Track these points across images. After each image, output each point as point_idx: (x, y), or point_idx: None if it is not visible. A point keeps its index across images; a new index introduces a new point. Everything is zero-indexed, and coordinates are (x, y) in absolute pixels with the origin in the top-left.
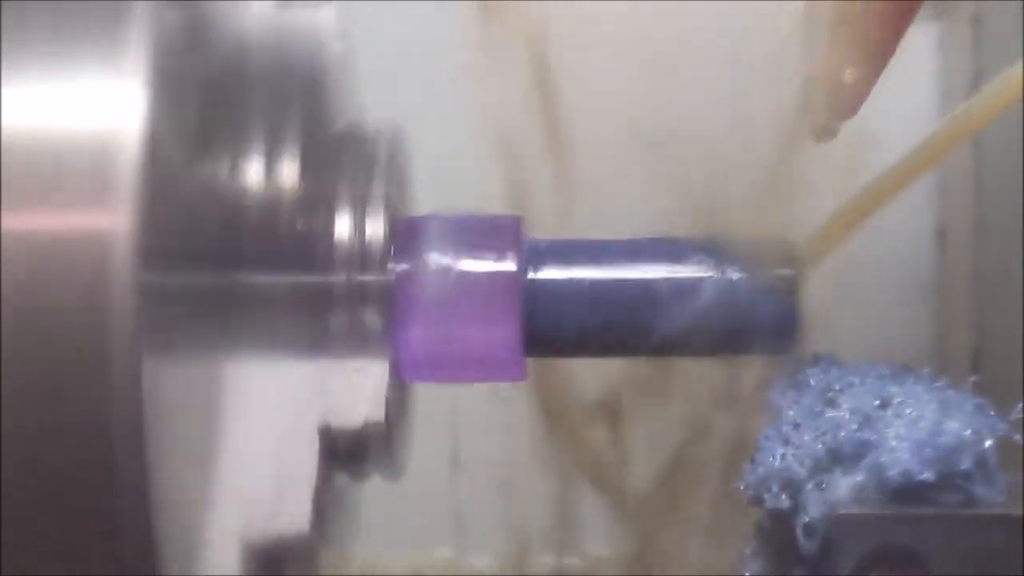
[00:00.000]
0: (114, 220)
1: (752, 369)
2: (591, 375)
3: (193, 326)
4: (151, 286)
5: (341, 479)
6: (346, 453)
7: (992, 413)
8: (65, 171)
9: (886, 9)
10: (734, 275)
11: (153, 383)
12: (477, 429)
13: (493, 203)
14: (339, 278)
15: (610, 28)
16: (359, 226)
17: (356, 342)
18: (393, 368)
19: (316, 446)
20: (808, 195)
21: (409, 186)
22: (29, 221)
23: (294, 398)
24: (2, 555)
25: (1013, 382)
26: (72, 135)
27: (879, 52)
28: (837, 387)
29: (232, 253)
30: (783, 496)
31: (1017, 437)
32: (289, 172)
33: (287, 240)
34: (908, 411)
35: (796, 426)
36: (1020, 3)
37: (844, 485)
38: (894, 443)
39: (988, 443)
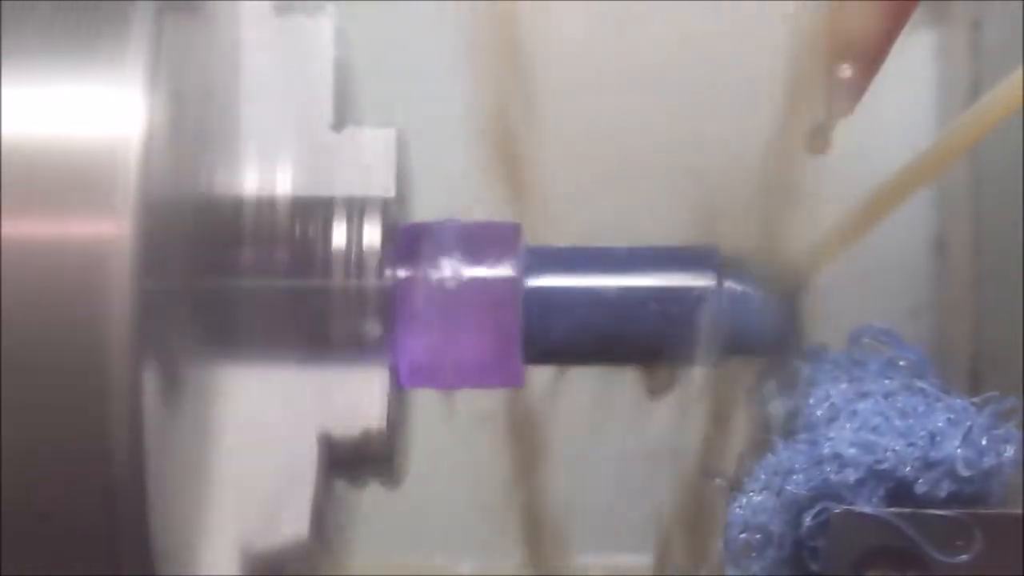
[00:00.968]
0: (112, 228)
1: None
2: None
3: (191, 334)
4: (149, 294)
5: (341, 486)
6: (346, 460)
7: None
8: (64, 179)
9: (880, 8)
10: (733, 284)
11: (151, 391)
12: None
13: (492, 210)
14: (337, 285)
15: (603, 34)
16: (357, 233)
17: (355, 349)
18: (392, 375)
19: (315, 453)
20: (806, 203)
21: (408, 192)
22: (27, 228)
23: (293, 405)
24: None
25: (1013, 392)
26: (71, 143)
27: (874, 51)
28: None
29: (230, 261)
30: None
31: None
32: (287, 178)
33: (285, 247)
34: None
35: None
36: (1020, 10)
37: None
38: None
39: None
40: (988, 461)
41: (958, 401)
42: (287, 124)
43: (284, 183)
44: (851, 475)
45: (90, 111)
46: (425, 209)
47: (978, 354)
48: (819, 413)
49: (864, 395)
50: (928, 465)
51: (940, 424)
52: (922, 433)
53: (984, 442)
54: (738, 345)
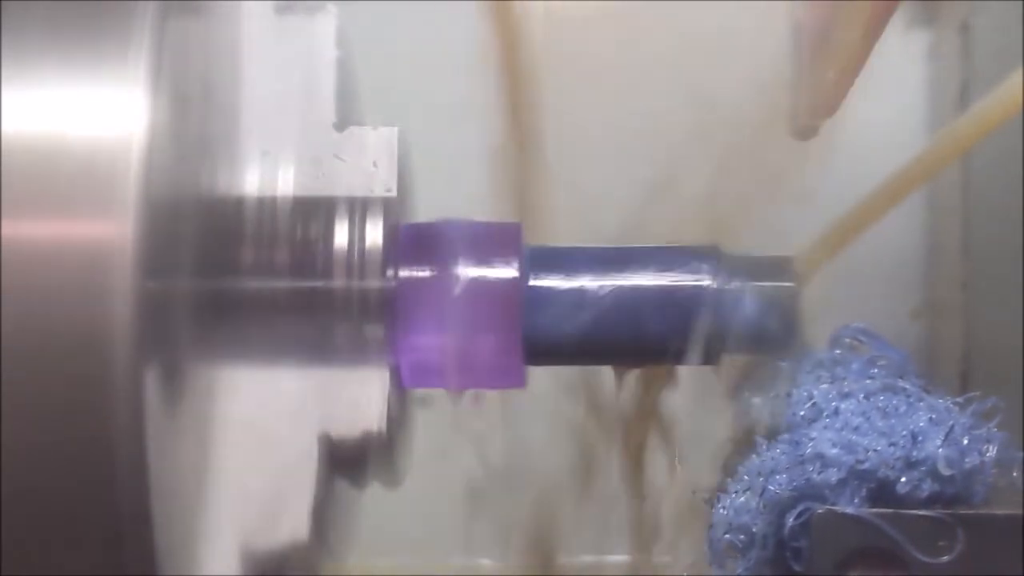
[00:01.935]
0: (115, 230)
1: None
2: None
3: (193, 334)
4: (151, 294)
5: (341, 487)
6: (346, 461)
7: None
8: (66, 179)
9: (860, 11)
10: (733, 284)
11: (153, 391)
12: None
13: (493, 210)
14: (339, 286)
15: (604, 32)
16: (359, 233)
17: (356, 349)
18: (393, 375)
19: (316, 454)
20: (800, 201)
21: (410, 192)
22: (29, 229)
23: (293, 406)
24: (3, 565)
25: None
26: (73, 144)
27: (855, 53)
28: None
29: (232, 261)
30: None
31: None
32: (288, 179)
33: (287, 248)
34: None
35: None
36: (1007, 12)
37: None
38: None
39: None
40: (970, 461)
41: (940, 401)
42: (289, 124)
43: (286, 183)
44: (833, 475)
45: (92, 112)
46: (427, 209)
47: (968, 355)
48: (801, 413)
49: (846, 395)
50: (910, 465)
51: (922, 424)
52: (904, 433)
53: (966, 442)
54: (738, 344)
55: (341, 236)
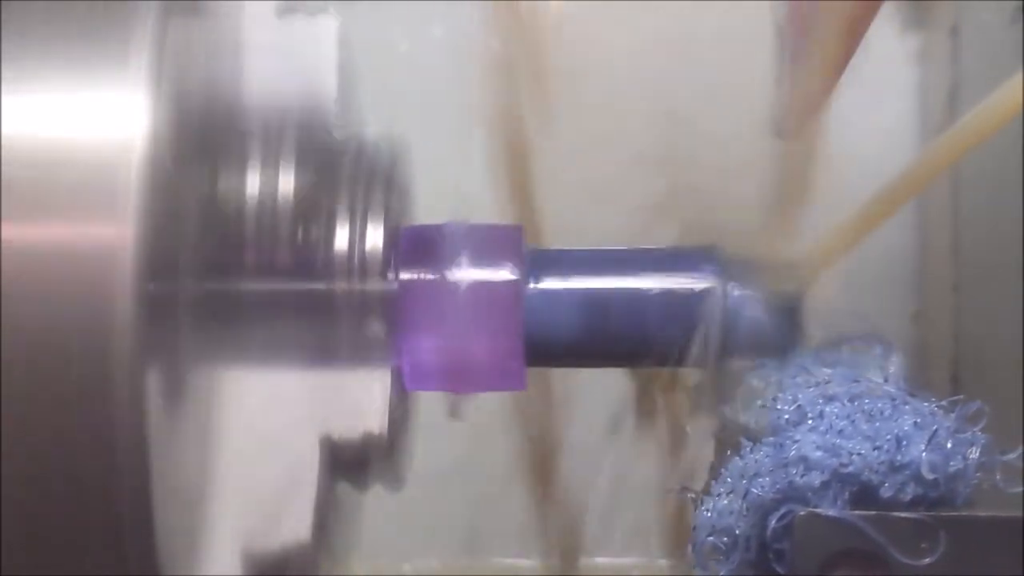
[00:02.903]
0: (117, 231)
1: None
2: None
3: (195, 337)
4: (153, 297)
5: (343, 489)
6: (348, 463)
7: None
8: (67, 183)
9: (841, 14)
10: (735, 286)
11: (155, 394)
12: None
13: (494, 212)
14: (340, 288)
15: (610, 31)
16: (360, 236)
17: (358, 352)
18: (395, 377)
19: (318, 456)
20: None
21: (410, 195)
22: (31, 233)
23: (295, 408)
24: (3, 558)
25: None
26: (74, 147)
27: (836, 54)
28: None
29: (234, 264)
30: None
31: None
32: (289, 181)
33: (288, 250)
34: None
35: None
36: (998, 15)
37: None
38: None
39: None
40: (954, 465)
41: (925, 404)
42: (290, 127)
43: (287, 186)
44: (816, 478)
45: (93, 115)
46: (428, 211)
47: (959, 357)
48: (786, 416)
49: (831, 398)
50: (894, 468)
51: (906, 428)
52: (888, 436)
53: (950, 445)
54: (739, 346)
55: (342, 238)
